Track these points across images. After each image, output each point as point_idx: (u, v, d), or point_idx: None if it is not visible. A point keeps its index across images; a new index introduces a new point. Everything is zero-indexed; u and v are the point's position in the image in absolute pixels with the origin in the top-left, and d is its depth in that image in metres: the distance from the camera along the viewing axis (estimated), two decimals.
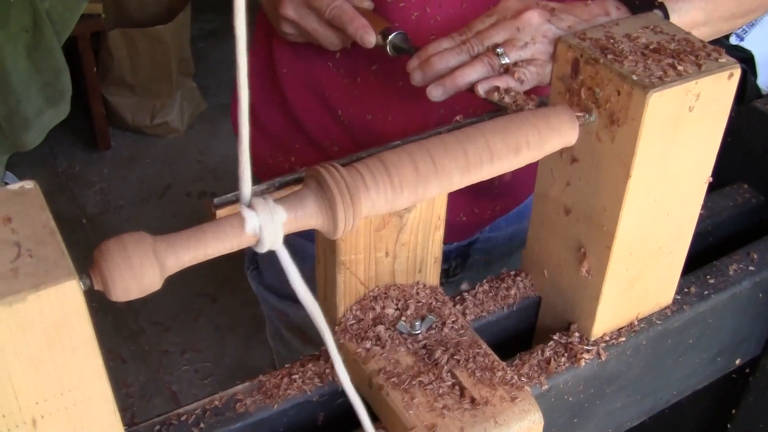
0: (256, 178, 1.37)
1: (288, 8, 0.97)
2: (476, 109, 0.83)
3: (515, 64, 0.83)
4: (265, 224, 0.56)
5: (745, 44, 2.68)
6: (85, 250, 0.60)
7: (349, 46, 0.99)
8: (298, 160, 1.15)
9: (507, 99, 0.79)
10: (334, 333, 0.78)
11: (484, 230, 1.22)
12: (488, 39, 0.85)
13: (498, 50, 0.83)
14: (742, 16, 0.95)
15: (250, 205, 0.56)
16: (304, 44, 1.00)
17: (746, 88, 2.48)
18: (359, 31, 0.92)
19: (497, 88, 0.81)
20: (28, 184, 0.55)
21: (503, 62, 0.83)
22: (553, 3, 0.87)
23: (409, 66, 0.88)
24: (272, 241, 0.57)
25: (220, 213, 0.64)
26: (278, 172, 0.57)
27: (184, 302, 2.79)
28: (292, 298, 1.26)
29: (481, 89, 0.82)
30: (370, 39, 0.92)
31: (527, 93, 0.82)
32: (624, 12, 0.87)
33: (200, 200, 3.17)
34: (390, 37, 0.92)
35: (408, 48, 0.92)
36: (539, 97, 0.80)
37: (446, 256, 0.81)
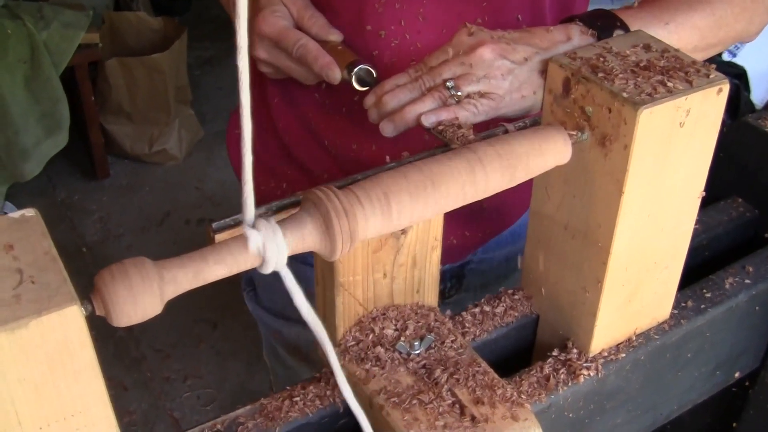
0: None
1: (260, 50, 0.98)
2: None
3: (468, 96, 0.84)
4: (269, 244, 0.57)
5: (738, 60, 2.71)
6: (85, 279, 0.61)
7: None
8: (290, 187, 1.16)
9: (447, 133, 0.80)
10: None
11: (477, 252, 1.23)
12: (440, 76, 0.85)
13: (448, 84, 0.84)
14: (702, 50, 0.94)
15: (253, 226, 0.57)
16: (289, 77, 1.01)
17: (740, 104, 2.49)
18: (323, 69, 0.94)
19: (439, 122, 0.81)
20: (29, 212, 0.56)
21: (455, 94, 0.83)
22: (511, 31, 0.86)
23: (365, 103, 0.89)
24: (276, 261, 0.57)
25: (219, 237, 0.64)
26: (271, 199, 0.58)
27: (185, 328, 2.79)
28: (285, 316, 1.25)
29: (425, 120, 0.82)
30: (335, 76, 0.94)
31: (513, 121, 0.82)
32: (589, 36, 0.86)
33: (199, 227, 3.17)
34: (354, 71, 0.93)
35: (371, 82, 0.93)
36: (532, 118, 0.81)
37: (441, 278, 0.81)
